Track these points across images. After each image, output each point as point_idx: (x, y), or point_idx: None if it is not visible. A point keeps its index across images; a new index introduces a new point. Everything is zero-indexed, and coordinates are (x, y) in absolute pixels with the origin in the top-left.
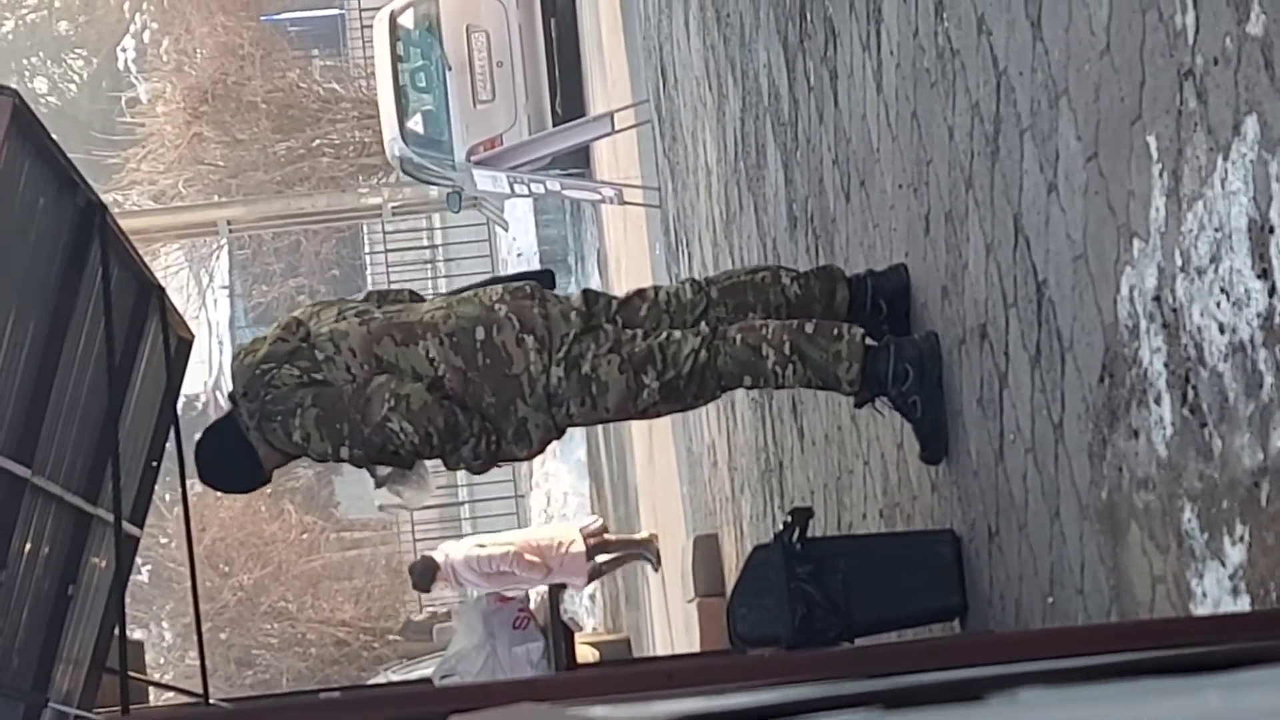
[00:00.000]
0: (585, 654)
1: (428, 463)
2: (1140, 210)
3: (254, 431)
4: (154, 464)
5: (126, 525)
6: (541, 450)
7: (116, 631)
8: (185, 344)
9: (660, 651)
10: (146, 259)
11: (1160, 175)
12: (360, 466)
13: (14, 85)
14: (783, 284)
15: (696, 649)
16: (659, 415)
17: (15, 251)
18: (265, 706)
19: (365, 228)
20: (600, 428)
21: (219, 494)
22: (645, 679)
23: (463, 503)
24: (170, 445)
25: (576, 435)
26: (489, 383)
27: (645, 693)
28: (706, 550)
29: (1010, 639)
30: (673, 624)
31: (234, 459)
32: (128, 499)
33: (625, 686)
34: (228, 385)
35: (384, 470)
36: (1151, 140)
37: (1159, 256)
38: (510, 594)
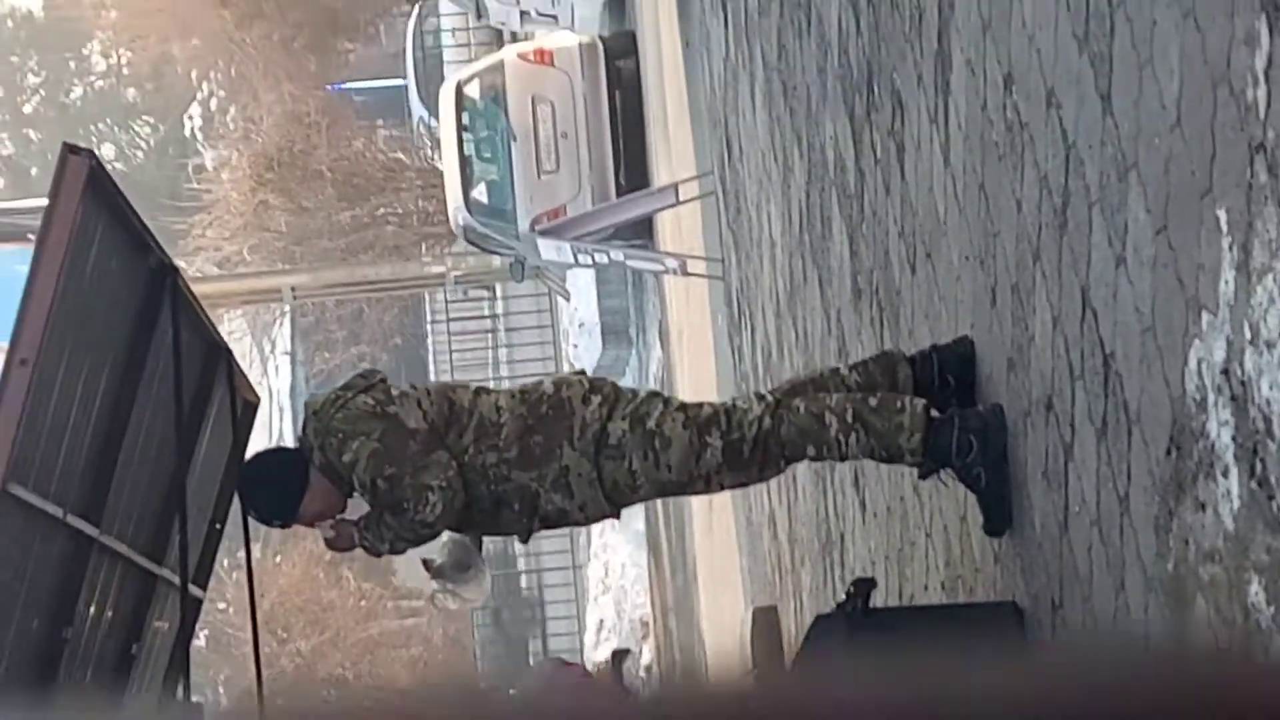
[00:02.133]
0: None
1: (482, 560)
2: (1209, 283)
3: (316, 451)
4: (218, 526)
5: (190, 587)
6: (580, 521)
7: (179, 694)
8: (251, 407)
9: None
10: None
11: (1230, 249)
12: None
13: None
14: (842, 375)
15: None
16: (721, 486)
17: (88, 311)
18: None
19: (428, 296)
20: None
21: (253, 519)
22: None
23: (524, 571)
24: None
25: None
26: (544, 430)
27: None
28: (765, 622)
29: None
30: None
31: (278, 483)
32: (192, 561)
33: None
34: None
35: (438, 561)
36: (1221, 214)
37: (1228, 329)
38: (571, 660)
